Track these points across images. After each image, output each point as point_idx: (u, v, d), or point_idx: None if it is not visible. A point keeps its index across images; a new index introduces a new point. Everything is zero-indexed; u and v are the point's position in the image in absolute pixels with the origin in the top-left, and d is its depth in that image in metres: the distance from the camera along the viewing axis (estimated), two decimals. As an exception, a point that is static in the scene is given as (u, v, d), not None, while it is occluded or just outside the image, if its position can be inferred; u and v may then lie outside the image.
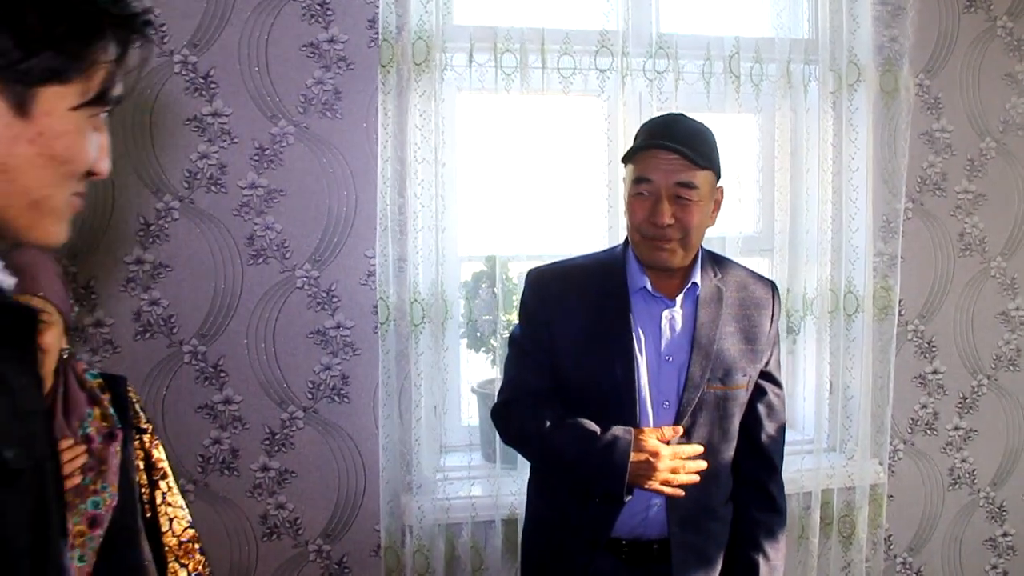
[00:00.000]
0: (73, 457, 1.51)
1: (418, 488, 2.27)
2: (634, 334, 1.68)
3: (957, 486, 2.85)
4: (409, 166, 2.19)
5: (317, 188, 2.33)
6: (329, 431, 2.39)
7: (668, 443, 1.65)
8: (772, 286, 1.83)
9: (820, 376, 2.59)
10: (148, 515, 1.71)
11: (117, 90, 0.87)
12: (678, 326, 1.71)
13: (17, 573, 0.74)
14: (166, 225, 2.27)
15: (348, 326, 2.38)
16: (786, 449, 2.53)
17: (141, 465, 1.70)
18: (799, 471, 2.52)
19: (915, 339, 2.75)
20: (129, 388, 1.71)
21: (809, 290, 2.57)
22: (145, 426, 1.73)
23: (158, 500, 1.72)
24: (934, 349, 2.77)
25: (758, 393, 1.79)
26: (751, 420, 1.79)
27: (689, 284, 1.71)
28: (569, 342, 1.71)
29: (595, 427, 1.66)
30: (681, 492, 1.65)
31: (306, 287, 2.35)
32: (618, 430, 1.64)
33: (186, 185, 2.27)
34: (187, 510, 1.81)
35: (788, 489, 2.49)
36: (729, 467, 1.78)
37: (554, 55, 2.29)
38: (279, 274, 2.34)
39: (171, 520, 1.75)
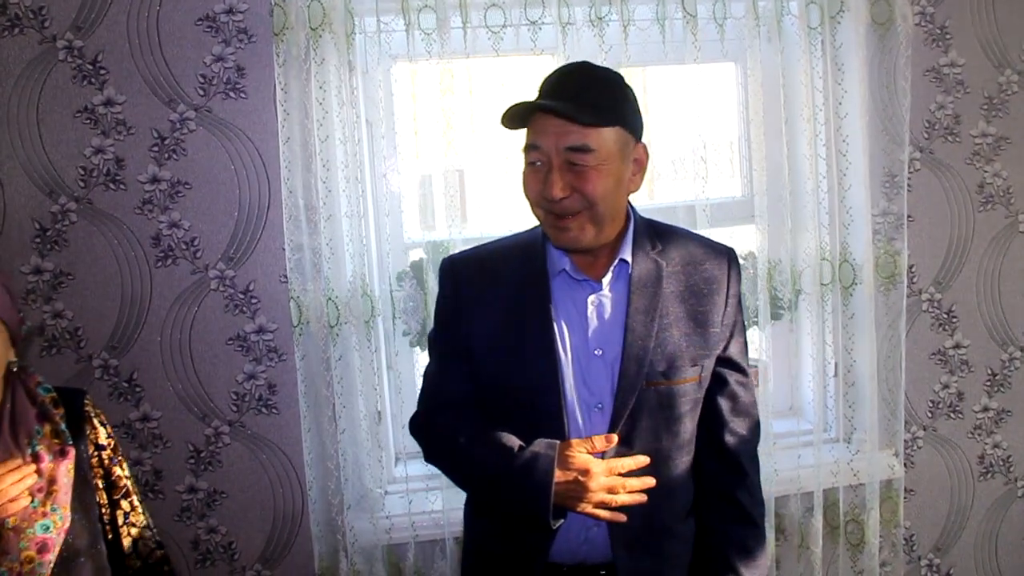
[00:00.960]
0: (21, 478, 1.44)
1: (349, 507, 2.08)
2: (555, 325, 1.46)
3: (989, 475, 2.53)
4: (312, 146, 1.99)
5: (225, 178, 2.15)
6: (259, 446, 2.22)
7: (603, 456, 1.43)
8: (728, 255, 1.57)
9: (818, 358, 2.31)
10: (110, 537, 1.61)
11: None
12: (607, 313, 1.47)
13: None
14: (64, 229, 2.12)
15: (271, 329, 2.19)
16: (784, 442, 2.31)
17: (100, 484, 1.60)
18: (796, 468, 2.25)
19: (931, 310, 2.45)
20: (88, 402, 1.62)
21: (800, 260, 2.29)
22: (105, 442, 1.62)
23: (120, 521, 1.62)
24: (954, 320, 2.46)
25: (718, 384, 1.54)
26: (711, 417, 1.55)
27: (616, 262, 1.48)
28: (485, 340, 1.50)
29: (516, 441, 1.45)
30: (622, 516, 1.42)
31: (221, 288, 2.18)
32: (540, 445, 1.42)
33: (82, 184, 2.11)
34: (155, 531, 1.70)
35: (785, 489, 2.27)
36: (687, 476, 1.54)
37: (479, 10, 2.05)
38: (190, 275, 2.16)
39: (135, 541, 1.65)
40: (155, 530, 1.72)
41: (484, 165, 2.08)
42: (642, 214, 1.55)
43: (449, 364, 1.56)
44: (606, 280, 1.47)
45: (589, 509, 1.41)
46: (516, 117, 1.40)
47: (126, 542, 1.65)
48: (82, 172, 2.11)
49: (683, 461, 1.52)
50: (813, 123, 2.21)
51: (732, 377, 1.55)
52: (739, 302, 1.55)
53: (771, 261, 2.30)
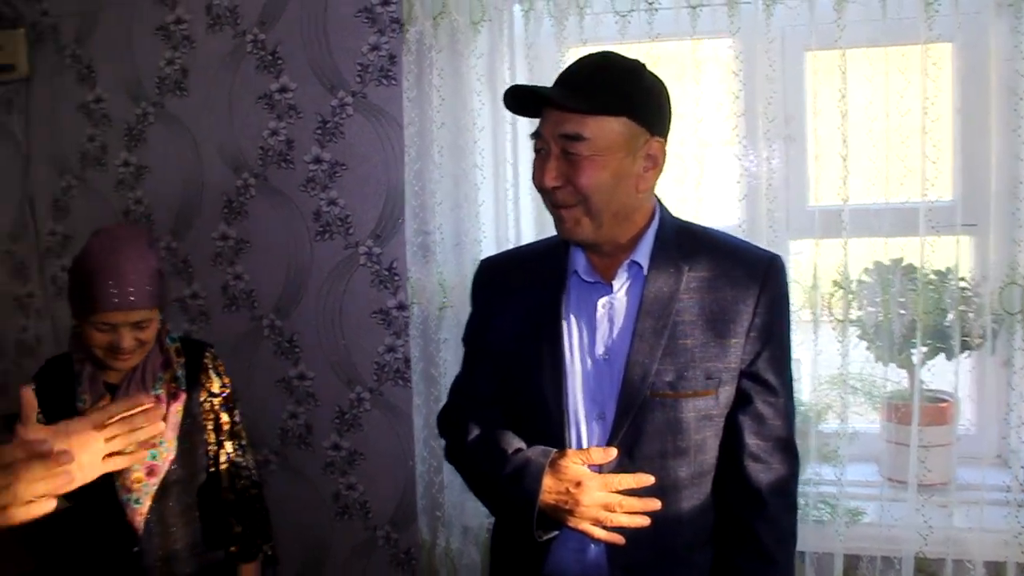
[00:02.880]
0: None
1: (447, 487, 2.26)
2: (565, 328, 1.49)
3: None
4: (431, 133, 2.17)
5: (376, 160, 2.41)
6: (395, 415, 2.48)
7: (600, 470, 1.44)
8: (768, 262, 1.48)
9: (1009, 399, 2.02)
10: (212, 470, 1.99)
11: None
12: (618, 317, 1.47)
13: None
14: (245, 202, 2.53)
15: (409, 305, 2.44)
16: (962, 495, 2.05)
17: (209, 426, 1.98)
18: (947, 528, 2.00)
19: None
20: (208, 354, 2.00)
21: (994, 280, 2.01)
22: (218, 391, 1.99)
23: (222, 459, 1.99)
24: None
25: (741, 402, 1.47)
26: (731, 437, 1.48)
27: (627, 264, 1.46)
28: (502, 341, 1.57)
29: (514, 445, 1.50)
30: (618, 538, 1.41)
31: (368, 264, 2.45)
32: (534, 451, 1.47)
33: (260, 162, 2.50)
34: (254, 471, 2.06)
35: (941, 550, 2.03)
36: (703, 502, 1.49)
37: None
38: (343, 250, 2.47)
39: (232, 478, 2.01)
40: (254, 472, 2.04)
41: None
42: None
43: (474, 364, 1.65)
44: (617, 283, 1.46)
45: (582, 525, 1.40)
46: (525, 105, 1.45)
47: (224, 476, 1.98)
48: (260, 152, 2.50)
49: (696, 484, 1.47)
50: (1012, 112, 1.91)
51: (758, 395, 1.45)
52: (775, 313, 1.46)
53: (970, 278, 2.05)
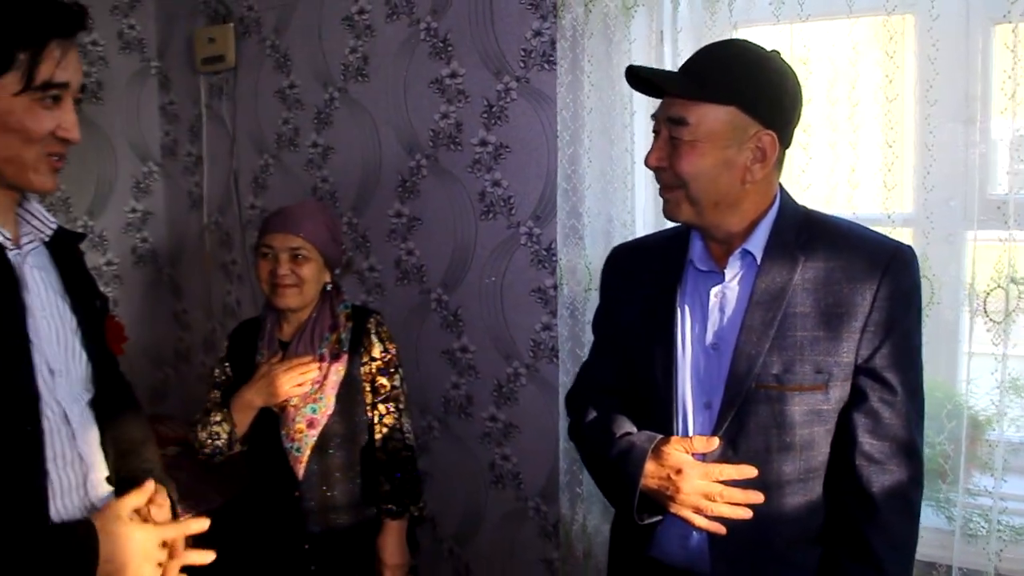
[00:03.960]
0: (307, 371, 2.13)
1: (589, 463, 2.37)
2: (678, 316, 1.56)
3: None
4: (582, 118, 2.26)
5: (538, 143, 2.53)
6: (548, 391, 2.60)
7: (703, 458, 1.50)
8: (892, 252, 1.45)
9: None
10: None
11: (61, 77, 1.27)
12: (729, 307, 1.51)
13: None
14: (417, 181, 2.75)
15: (559, 286, 2.55)
16: None
17: (367, 388, 2.22)
18: None
19: None
20: (372, 320, 2.23)
21: None
22: (378, 355, 2.22)
23: (375, 419, 2.25)
24: None
25: (856, 399, 1.46)
26: (844, 435, 1.48)
27: (738, 253, 1.50)
28: (624, 328, 1.66)
29: (624, 429, 1.60)
30: (719, 527, 1.47)
31: (528, 244, 2.59)
32: (639, 436, 1.56)
33: (431, 144, 2.71)
34: (408, 435, 2.25)
35: None
36: (811, 499, 1.50)
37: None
38: (505, 230, 2.62)
39: (385, 439, 2.23)
40: (408, 435, 2.23)
41: (812, 138, 2.03)
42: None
43: (598, 350, 1.75)
44: (730, 272, 1.51)
45: (682, 512, 1.47)
46: (648, 87, 1.51)
47: (377, 436, 2.20)
48: (431, 134, 2.70)
49: (803, 481, 1.49)
50: None
51: (874, 392, 1.44)
52: (898, 308, 1.43)
53: None
